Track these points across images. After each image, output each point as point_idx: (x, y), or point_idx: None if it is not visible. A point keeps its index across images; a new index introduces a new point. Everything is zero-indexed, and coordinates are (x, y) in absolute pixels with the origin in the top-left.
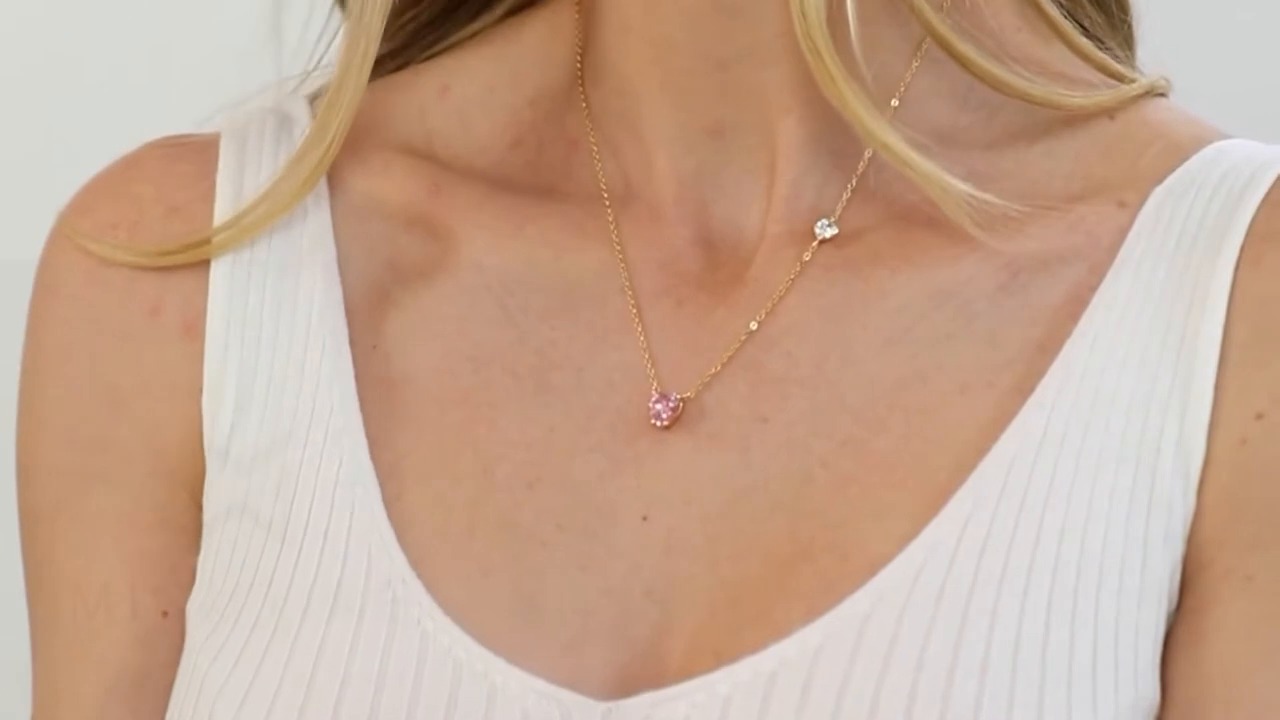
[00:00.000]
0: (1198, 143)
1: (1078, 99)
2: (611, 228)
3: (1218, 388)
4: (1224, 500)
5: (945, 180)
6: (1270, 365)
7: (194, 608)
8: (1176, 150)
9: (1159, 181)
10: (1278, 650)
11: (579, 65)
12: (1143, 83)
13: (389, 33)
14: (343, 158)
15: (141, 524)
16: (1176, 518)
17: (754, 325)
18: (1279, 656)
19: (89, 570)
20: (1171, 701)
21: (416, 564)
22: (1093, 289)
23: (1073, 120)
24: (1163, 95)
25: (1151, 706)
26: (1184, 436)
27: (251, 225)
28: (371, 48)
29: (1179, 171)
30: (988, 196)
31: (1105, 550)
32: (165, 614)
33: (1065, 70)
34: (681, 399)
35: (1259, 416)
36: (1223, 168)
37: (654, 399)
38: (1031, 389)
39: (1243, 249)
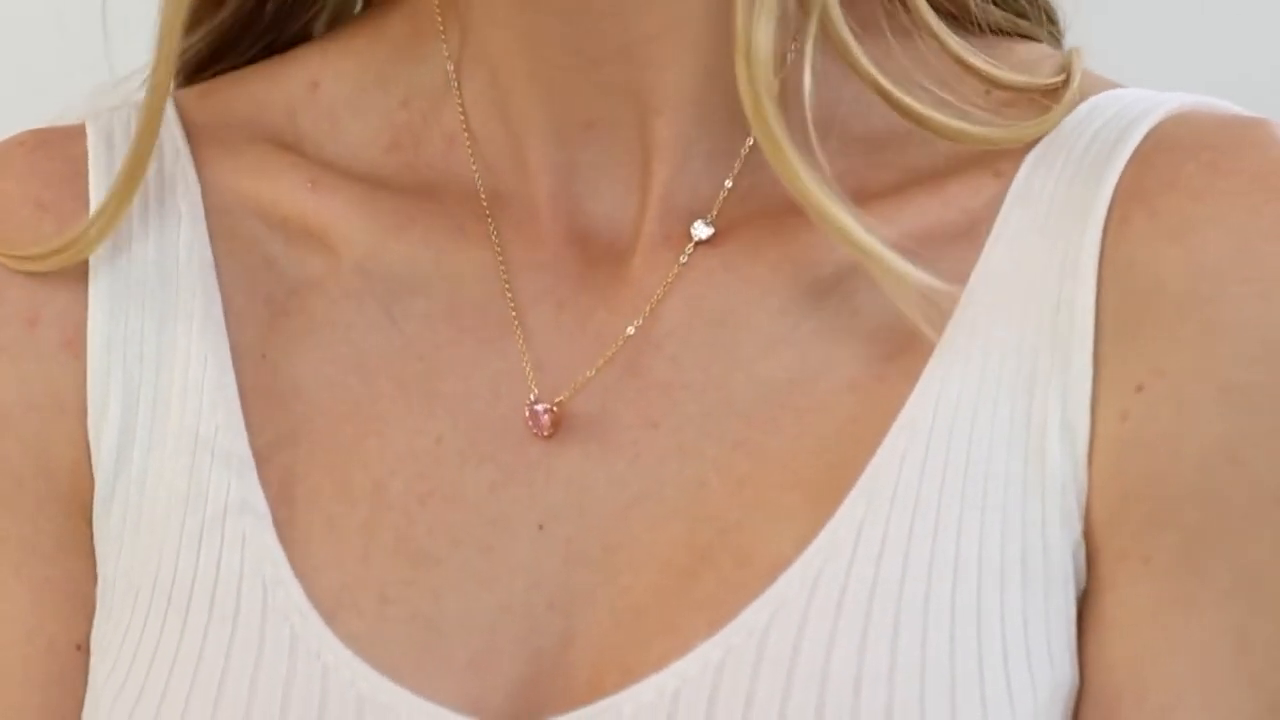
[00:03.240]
0: (1074, 99)
1: (1030, 127)
2: (490, 226)
3: (1096, 360)
4: (1112, 479)
5: (898, 266)
6: (1146, 334)
7: (93, 640)
8: (1061, 105)
9: (1034, 145)
10: (1184, 635)
11: (453, 57)
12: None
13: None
14: (214, 154)
15: (43, 551)
16: (1071, 497)
17: (632, 330)
18: (1186, 642)
19: None
20: (1084, 685)
21: (313, 594)
22: (972, 267)
23: (961, 85)
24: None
25: (1071, 691)
26: (1067, 414)
27: (88, 242)
28: (172, 45)
29: (1053, 133)
30: (938, 284)
31: (1005, 542)
32: (78, 647)
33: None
34: (556, 404)
35: (1139, 389)
36: (1095, 125)
37: (529, 407)
38: (918, 380)
39: (1110, 209)
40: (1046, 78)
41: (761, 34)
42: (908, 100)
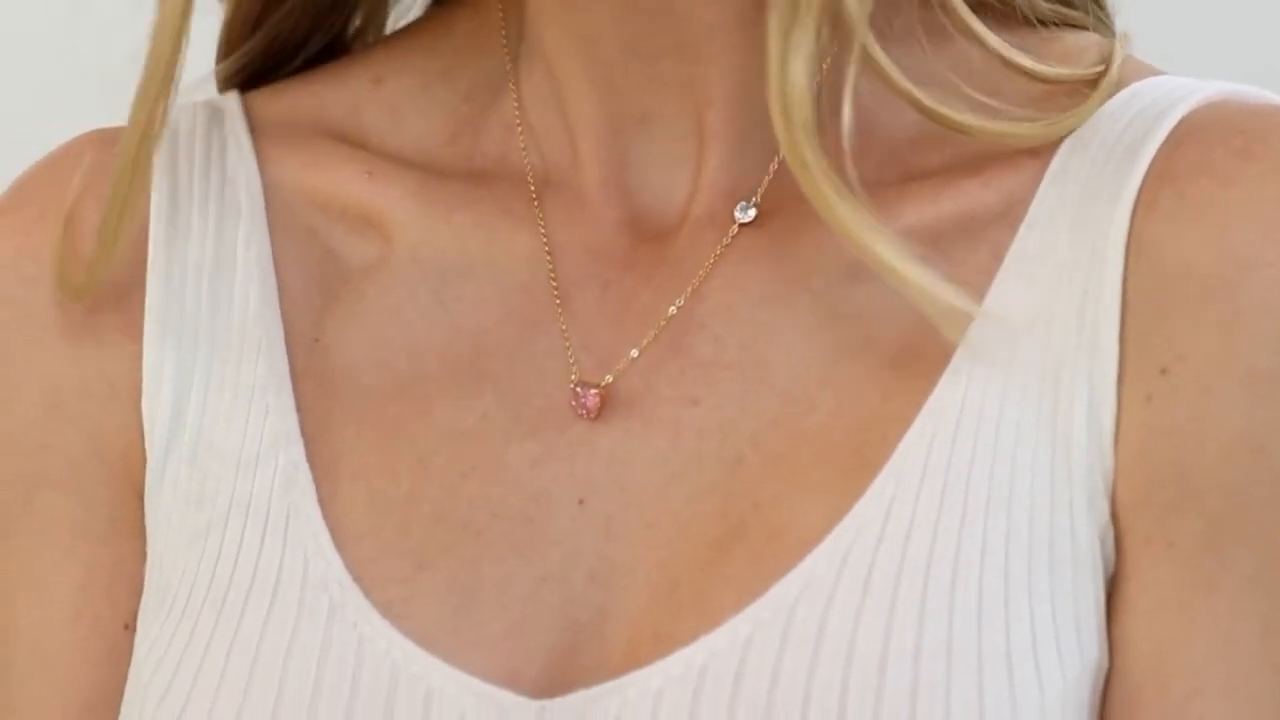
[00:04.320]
0: (1115, 85)
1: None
2: (537, 213)
3: (1122, 342)
4: (1137, 462)
5: (937, 292)
6: (1171, 317)
7: (140, 616)
8: (1095, 95)
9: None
10: (1207, 620)
11: (511, 51)
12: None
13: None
14: (278, 151)
15: (95, 533)
16: (1097, 479)
17: (674, 309)
18: (1209, 627)
19: (45, 582)
20: (1111, 667)
21: (353, 565)
22: (1007, 249)
23: (1004, 81)
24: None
25: (1100, 674)
26: (1094, 397)
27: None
28: (176, 49)
29: (1092, 118)
30: (982, 310)
31: (1033, 524)
32: (126, 626)
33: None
34: (601, 387)
35: (1163, 372)
36: (1132, 110)
37: (572, 390)
38: (949, 362)
39: (1140, 192)
40: (1089, 66)
41: (796, 68)
42: (947, 111)
